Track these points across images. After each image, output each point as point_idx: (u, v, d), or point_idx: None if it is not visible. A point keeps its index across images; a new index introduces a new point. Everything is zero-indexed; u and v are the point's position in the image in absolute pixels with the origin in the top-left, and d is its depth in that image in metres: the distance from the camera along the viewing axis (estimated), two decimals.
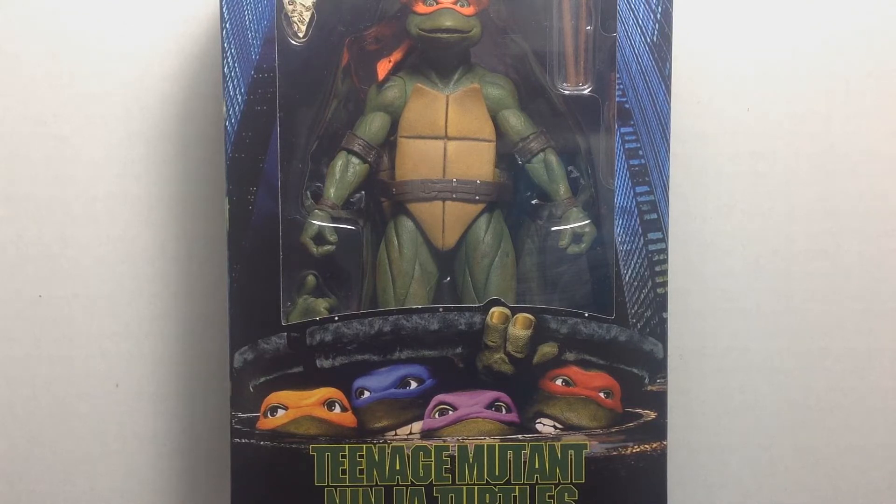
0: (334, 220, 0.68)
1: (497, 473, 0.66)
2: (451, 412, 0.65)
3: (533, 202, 0.69)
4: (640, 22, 0.64)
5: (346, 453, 0.65)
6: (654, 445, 0.66)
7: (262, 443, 0.65)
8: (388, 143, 0.68)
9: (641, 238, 0.65)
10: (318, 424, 0.65)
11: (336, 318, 0.66)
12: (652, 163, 0.65)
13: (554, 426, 0.66)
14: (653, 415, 0.66)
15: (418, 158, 0.67)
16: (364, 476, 0.66)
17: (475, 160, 0.67)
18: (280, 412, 0.65)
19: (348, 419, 0.66)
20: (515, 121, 0.68)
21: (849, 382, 0.76)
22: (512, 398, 0.66)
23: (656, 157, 0.65)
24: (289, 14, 0.65)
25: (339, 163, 0.68)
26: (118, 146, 0.75)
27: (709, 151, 0.75)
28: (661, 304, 0.65)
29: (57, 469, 0.76)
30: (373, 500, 0.66)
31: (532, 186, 0.69)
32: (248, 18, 0.64)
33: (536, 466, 0.66)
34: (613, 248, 0.66)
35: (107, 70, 0.74)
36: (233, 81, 0.64)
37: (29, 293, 0.75)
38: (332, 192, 0.68)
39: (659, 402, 0.66)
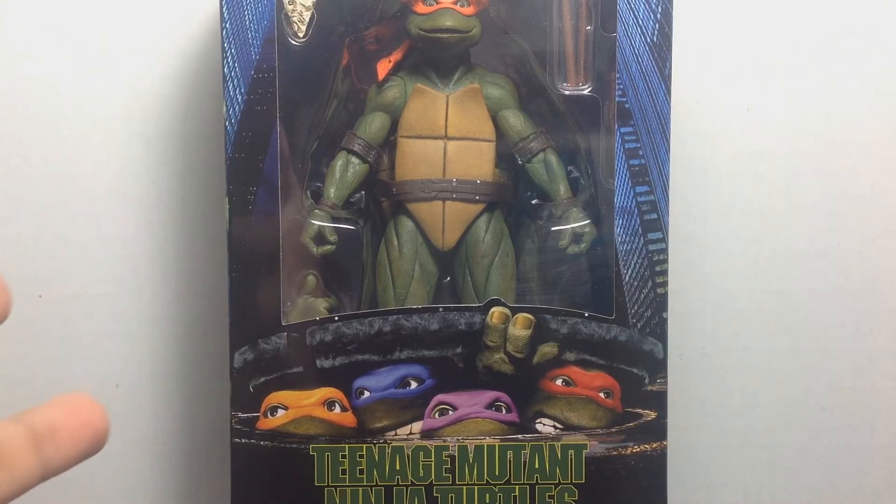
0: (334, 220, 0.68)
1: (497, 473, 0.66)
2: (451, 412, 0.65)
3: (533, 202, 0.69)
4: (640, 22, 0.64)
5: (346, 453, 0.65)
6: (654, 445, 0.66)
7: (262, 443, 0.65)
8: (388, 143, 0.68)
9: (641, 238, 0.65)
10: (318, 424, 0.65)
11: (336, 318, 0.66)
12: (652, 163, 0.65)
13: (554, 426, 0.66)
14: (653, 415, 0.66)
15: (418, 158, 0.67)
16: (364, 476, 0.66)
17: (475, 160, 0.67)
18: (280, 412, 0.65)
19: (348, 419, 0.66)
20: (515, 121, 0.68)
21: (849, 382, 0.76)
22: (512, 398, 0.66)
23: (656, 157, 0.65)
24: (289, 14, 0.65)
25: (339, 163, 0.68)
26: (118, 146, 0.75)
27: (709, 151, 0.75)
28: (661, 304, 0.65)
29: None
30: (373, 500, 0.66)
31: (532, 186, 0.69)
32: (248, 18, 0.64)
33: (536, 466, 0.66)
34: (613, 248, 0.66)
35: (107, 70, 0.74)
36: (233, 81, 0.64)
37: (29, 293, 0.75)
38: (332, 191, 0.68)
39: (659, 402, 0.66)
